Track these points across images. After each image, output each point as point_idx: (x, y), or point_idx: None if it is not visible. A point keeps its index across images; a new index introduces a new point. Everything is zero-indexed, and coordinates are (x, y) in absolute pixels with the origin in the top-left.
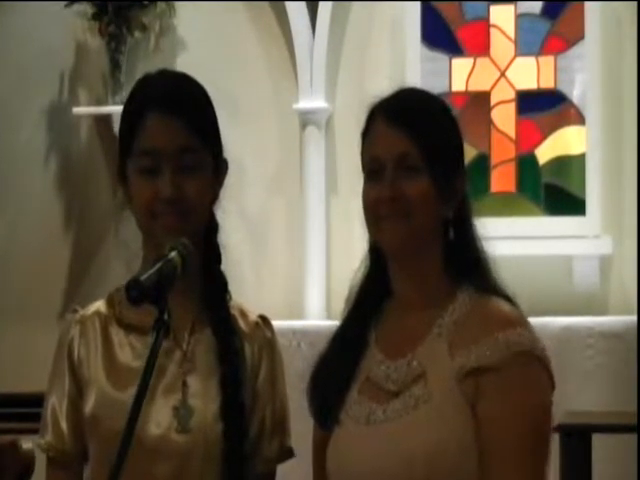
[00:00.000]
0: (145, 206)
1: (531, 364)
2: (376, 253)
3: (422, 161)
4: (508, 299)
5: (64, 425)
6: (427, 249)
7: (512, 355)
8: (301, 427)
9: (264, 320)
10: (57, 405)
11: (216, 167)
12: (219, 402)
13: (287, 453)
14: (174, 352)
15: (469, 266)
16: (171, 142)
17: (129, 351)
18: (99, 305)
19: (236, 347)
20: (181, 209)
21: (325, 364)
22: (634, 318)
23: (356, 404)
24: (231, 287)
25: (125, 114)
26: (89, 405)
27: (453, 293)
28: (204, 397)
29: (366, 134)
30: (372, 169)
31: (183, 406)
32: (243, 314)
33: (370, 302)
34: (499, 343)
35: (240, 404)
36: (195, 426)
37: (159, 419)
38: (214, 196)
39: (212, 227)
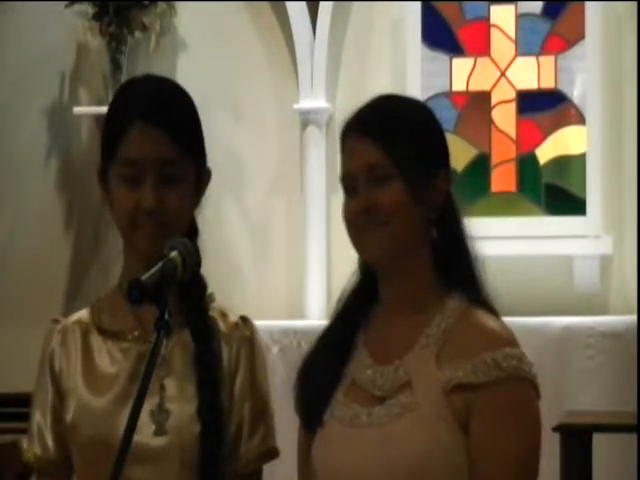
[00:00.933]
0: (126, 215)
1: (520, 386)
2: (365, 264)
3: (393, 168)
4: (493, 310)
5: (48, 436)
6: (412, 254)
7: (500, 377)
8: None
9: (244, 320)
10: (41, 418)
11: (198, 177)
12: (196, 404)
13: (270, 453)
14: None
15: (458, 270)
16: (154, 153)
17: (107, 357)
18: (81, 314)
19: (214, 349)
20: (162, 220)
21: (311, 364)
22: (634, 318)
23: (341, 405)
24: (232, 287)
25: (109, 118)
26: (69, 414)
27: (442, 300)
28: (181, 399)
29: (342, 152)
30: (348, 186)
31: (160, 409)
32: (223, 315)
33: (359, 305)
34: (487, 364)
35: (217, 406)
36: (172, 428)
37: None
38: (195, 204)
39: (192, 231)
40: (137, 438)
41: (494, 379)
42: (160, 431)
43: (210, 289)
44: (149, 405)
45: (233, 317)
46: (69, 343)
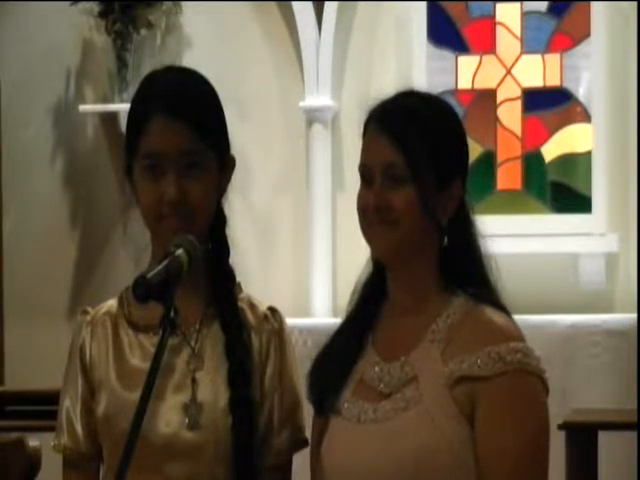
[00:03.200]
0: (150, 208)
1: (525, 379)
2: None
3: (408, 171)
4: (503, 309)
5: (79, 427)
6: (419, 257)
7: (505, 371)
8: (308, 421)
9: (272, 311)
10: (71, 408)
11: (222, 165)
12: (227, 397)
13: (300, 443)
14: (182, 349)
15: (466, 274)
16: (175, 145)
17: (138, 351)
18: (110, 304)
19: (244, 341)
20: (185, 212)
21: (324, 361)
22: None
23: (349, 403)
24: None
25: (131, 113)
26: (101, 406)
27: (448, 299)
28: (213, 392)
29: (363, 137)
30: (364, 175)
31: (193, 403)
32: (252, 306)
33: (369, 304)
34: (492, 357)
35: (248, 398)
36: (205, 422)
37: (169, 418)
38: (220, 192)
39: (220, 221)
40: (171, 432)
41: (498, 372)
42: (194, 425)
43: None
44: (181, 399)
45: (261, 308)
46: (99, 335)
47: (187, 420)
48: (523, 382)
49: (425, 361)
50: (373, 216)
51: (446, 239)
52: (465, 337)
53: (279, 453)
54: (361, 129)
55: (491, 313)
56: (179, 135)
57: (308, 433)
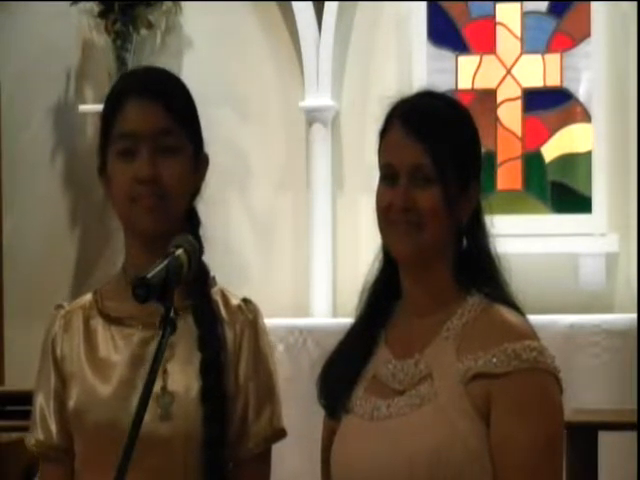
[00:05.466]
0: (124, 190)
1: (540, 377)
2: (388, 253)
3: (434, 173)
4: (517, 309)
5: (52, 422)
6: (438, 258)
7: (520, 368)
8: (307, 421)
9: (246, 302)
10: (44, 403)
11: (196, 157)
12: (199, 388)
13: (278, 433)
14: (154, 342)
15: (480, 274)
16: (149, 124)
17: (110, 344)
18: (85, 299)
19: (217, 333)
20: (159, 191)
21: (336, 360)
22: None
23: (362, 401)
24: (237, 284)
25: (105, 105)
26: (72, 399)
27: (463, 298)
28: (184, 383)
29: (383, 135)
30: (387, 174)
31: (164, 393)
32: (225, 299)
33: (381, 302)
34: (507, 354)
35: (220, 390)
36: (177, 412)
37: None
38: (195, 189)
39: (193, 223)
40: (144, 423)
41: (514, 369)
42: (166, 415)
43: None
44: (154, 389)
45: (235, 300)
46: (72, 328)
47: (159, 410)
48: (538, 380)
49: (439, 358)
50: (398, 216)
51: (465, 240)
52: (480, 335)
53: (257, 443)
54: (363, 127)
55: (506, 312)
56: (153, 114)
57: (308, 438)
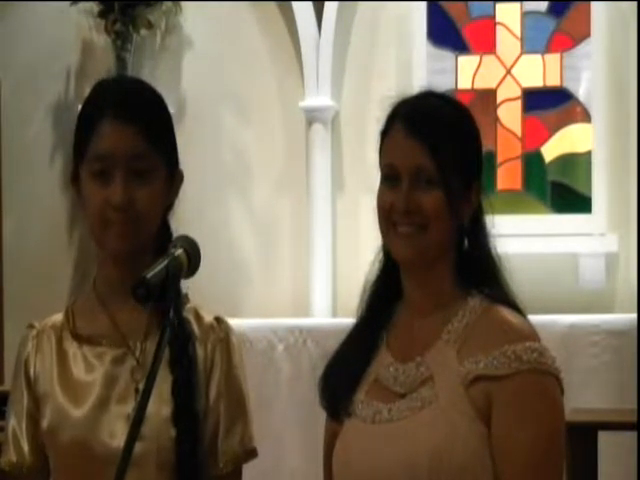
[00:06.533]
0: (97, 213)
1: (541, 378)
2: (388, 253)
3: (437, 175)
4: (518, 309)
5: (24, 443)
6: (439, 260)
7: (521, 370)
8: (307, 421)
9: (218, 321)
10: (16, 425)
11: (170, 176)
12: (171, 408)
13: (249, 453)
14: (126, 360)
15: (481, 275)
16: (123, 148)
17: (82, 364)
18: (55, 318)
19: (189, 353)
20: (131, 216)
21: (337, 362)
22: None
23: (363, 404)
24: (237, 285)
25: (80, 118)
26: (46, 419)
27: (463, 299)
28: (156, 403)
29: (385, 135)
30: (388, 175)
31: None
32: (198, 317)
33: (382, 303)
34: (508, 356)
35: (192, 410)
36: (148, 433)
37: (112, 428)
38: (168, 205)
39: (166, 235)
40: (115, 444)
41: (515, 371)
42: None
43: (215, 287)
44: (125, 410)
45: (208, 318)
46: (44, 349)
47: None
48: (539, 381)
49: (441, 361)
50: (400, 218)
51: (466, 241)
52: (481, 337)
53: (227, 462)
54: (363, 128)
55: (506, 313)
56: (127, 138)
57: (308, 438)
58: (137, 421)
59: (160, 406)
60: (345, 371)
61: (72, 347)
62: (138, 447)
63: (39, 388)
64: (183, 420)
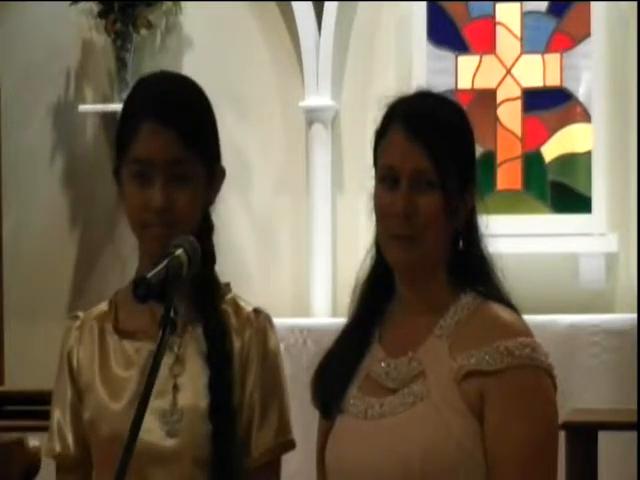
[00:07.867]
0: (136, 214)
1: (534, 373)
2: (380, 249)
3: (436, 177)
4: (511, 306)
5: (69, 433)
6: (434, 264)
7: (513, 365)
8: (307, 421)
9: (257, 313)
10: (61, 415)
11: (211, 175)
12: (207, 403)
13: (285, 444)
14: (165, 354)
15: (475, 274)
16: (163, 153)
17: (121, 358)
18: (100, 309)
19: (226, 349)
20: (170, 220)
21: (329, 360)
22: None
23: (355, 400)
24: (237, 285)
25: (122, 118)
26: (87, 411)
27: (456, 296)
28: (193, 398)
29: (382, 135)
30: (387, 176)
31: (173, 409)
32: (237, 308)
33: (375, 301)
34: (500, 351)
35: (228, 406)
36: (184, 429)
37: (148, 424)
38: (208, 202)
39: (207, 228)
40: (150, 439)
41: (507, 366)
42: (172, 432)
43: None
44: (163, 405)
45: (247, 309)
46: (87, 340)
47: (167, 427)
48: (532, 377)
49: (433, 356)
50: (399, 226)
51: (461, 242)
52: (473, 332)
53: (262, 453)
54: (363, 128)
55: (499, 309)
56: (168, 143)
57: (308, 438)
58: (137, 422)
59: (196, 404)
60: (337, 369)
61: (113, 341)
62: (173, 443)
63: (81, 379)
64: (219, 415)
